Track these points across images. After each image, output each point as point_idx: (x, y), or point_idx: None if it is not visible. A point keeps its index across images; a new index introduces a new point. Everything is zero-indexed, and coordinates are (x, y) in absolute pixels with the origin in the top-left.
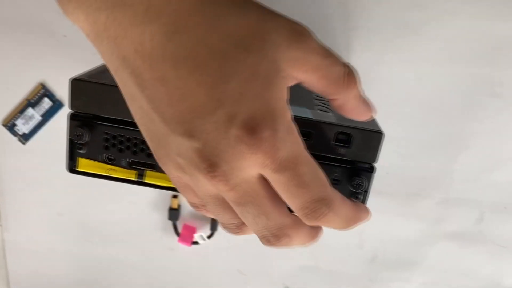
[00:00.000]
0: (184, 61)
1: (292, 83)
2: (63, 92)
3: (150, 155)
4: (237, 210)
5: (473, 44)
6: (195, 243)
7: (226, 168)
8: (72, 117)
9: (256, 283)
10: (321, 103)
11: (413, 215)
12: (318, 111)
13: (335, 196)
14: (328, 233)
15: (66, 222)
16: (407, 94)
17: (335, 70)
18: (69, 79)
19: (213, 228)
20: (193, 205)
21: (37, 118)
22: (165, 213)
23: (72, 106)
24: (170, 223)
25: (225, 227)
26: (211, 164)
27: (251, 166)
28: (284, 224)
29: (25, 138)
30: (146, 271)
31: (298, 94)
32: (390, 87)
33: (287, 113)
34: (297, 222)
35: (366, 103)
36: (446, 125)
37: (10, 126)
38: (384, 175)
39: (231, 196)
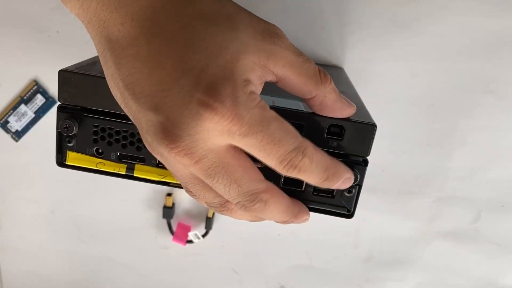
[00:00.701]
0: (158, 35)
1: (268, 76)
2: (56, 89)
3: (139, 148)
4: (210, 184)
5: (466, 40)
6: (190, 241)
7: (189, 140)
8: (60, 109)
9: (251, 282)
10: None
11: (409, 213)
12: None
13: (308, 143)
14: (323, 231)
15: (59, 220)
16: (401, 90)
17: (309, 67)
18: (58, 71)
19: (208, 227)
20: (185, 190)
21: (30, 115)
22: (159, 211)
23: (60, 97)
24: (164, 221)
25: (210, 207)
26: (173, 138)
27: (216, 136)
28: (257, 189)
29: (17, 135)
30: (140, 270)
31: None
32: (384, 83)
33: (248, 87)
34: (273, 188)
35: (344, 99)
36: (441, 122)
37: (3, 123)
38: (379, 173)
39: (198, 170)
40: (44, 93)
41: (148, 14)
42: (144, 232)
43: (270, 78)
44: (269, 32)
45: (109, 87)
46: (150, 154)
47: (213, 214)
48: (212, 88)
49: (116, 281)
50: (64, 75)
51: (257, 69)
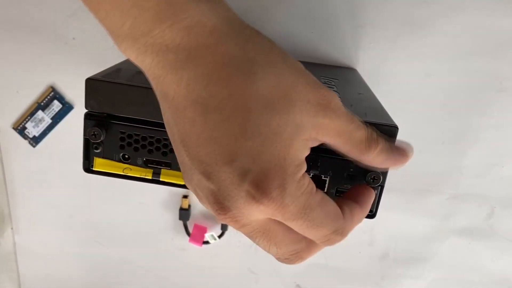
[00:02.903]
0: (213, 111)
1: (315, 144)
2: (72, 95)
3: (165, 153)
4: (250, 239)
5: (480, 39)
6: (206, 242)
7: (236, 212)
8: (87, 117)
9: (267, 282)
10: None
11: (423, 211)
12: None
13: (347, 224)
14: None
15: (77, 224)
16: (415, 90)
17: (358, 135)
18: (85, 79)
19: (224, 228)
20: None
21: (47, 120)
22: (176, 213)
23: (87, 105)
24: (180, 223)
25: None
26: (222, 207)
27: (262, 216)
28: (295, 249)
29: (35, 141)
30: (157, 271)
31: None
32: (398, 83)
33: (300, 171)
34: (310, 246)
35: (396, 153)
36: (455, 120)
37: (21, 129)
38: (393, 172)
39: (242, 231)
40: (60, 99)
41: (204, 84)
42: (161, 234)
43: (315, 144)
44: (322, 105)
45: (164, 122)
46: (175, 158)
47: None
48: (260, 181)
49: (134, 283)
50: (91, 83)
51: (309, 145)
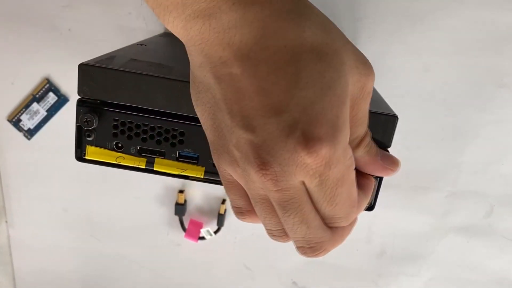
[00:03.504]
0: (265, 62)
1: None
2: (68, 87)
3: (159, 142)
4: (279, 213)
5: (480, 34)
6: (202, 238)
7: (277, 169)
8: (80, 103)
9: (263, 278)
10: None
11: (421, 208)
12: None
13: (356, 212)
14: None
15: (71, 217)
16: (414, 85)
17: (359, 130)
18: (78, 65)
19: (220, 223)
20: (237, 210)
21: (42, 113)
22: (172, 208)
23: (80, 91)
24: (176, 218)
25: (271, 233)
26: (264, 162)
27: (301, 174)
28: (323, 238)
29: (30, 133)
30: (152, 266)
31: None
32: (397, 78)
33: (348, 135)
34: (335, 238)
35: (384, 158)
36: (454, 116)
37: (15, 121)
38: None
39: (276, 198)
40: (56, 91)
41: (257, 38)
42: (156, 229)
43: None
44: (365, 69)
45: (197, 95)
46: (170, 147)
47: (225, 210)
48: (311, 133)
49: (129, 278)
50: (84, 69)
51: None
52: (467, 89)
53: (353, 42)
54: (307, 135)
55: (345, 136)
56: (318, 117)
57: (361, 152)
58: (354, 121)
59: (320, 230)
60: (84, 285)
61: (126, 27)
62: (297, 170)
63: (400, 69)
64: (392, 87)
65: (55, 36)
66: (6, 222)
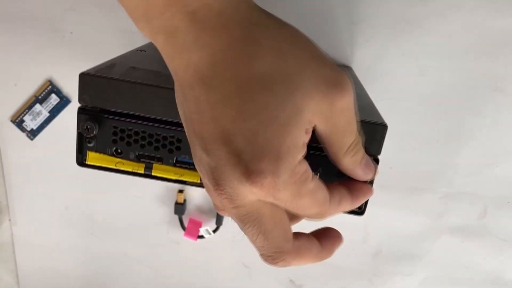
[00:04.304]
0: (215, 91)
1: (310, 127)
2: (70, 88)
3: (157, 148)
4: (239, 226)
5: (475, 38)
6: (201, 237)
7: (230, 191)
8: (81, 111)
9: (261, 277)
10: None
11: (417, 209)
12: None
13: (330, 209)
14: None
15: (73, 216)
16: (410, 88)
17: (347, 141)
18: (79, 74)
19: (219, 222)
20: (216, 208)
21: (45, 114)
22: (171, 208)
23: (81, 100)
24: (176, 217)
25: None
26: (218, 183)
27: (254, 196)
28: (282, 249)
29: (33, 134)
30: (153, 264)
31: None
32: (393, 81)
33: (296, 158)
34: (299, 251)
35: (363, 171)
36: (449, 119)
37: (18, 122)
38: (387, 170)
39: (234, 213)
40: (58, 92)
41: (209, 65)
42: (156, 228)
43: (311, 127)
44: (332, 90)
45: (176, 98)
46: (168, 153)
47: None
48: (254, 165)
49: (129, 276)
50: (85, 78)
51: (308, 130)
52: (462, 93)
53: (350, 46)
54: (250, 167)
55: (290, 161)
56: (261, 148)
57: (348, 159)
58: (334, 133)
59: (278, 240)
60: (85, 282)
61: (127, 30)
62: (248, 194)
63: (396, 72)
64: (388, 90)
65: (57, 39)
66: (9, 220)
